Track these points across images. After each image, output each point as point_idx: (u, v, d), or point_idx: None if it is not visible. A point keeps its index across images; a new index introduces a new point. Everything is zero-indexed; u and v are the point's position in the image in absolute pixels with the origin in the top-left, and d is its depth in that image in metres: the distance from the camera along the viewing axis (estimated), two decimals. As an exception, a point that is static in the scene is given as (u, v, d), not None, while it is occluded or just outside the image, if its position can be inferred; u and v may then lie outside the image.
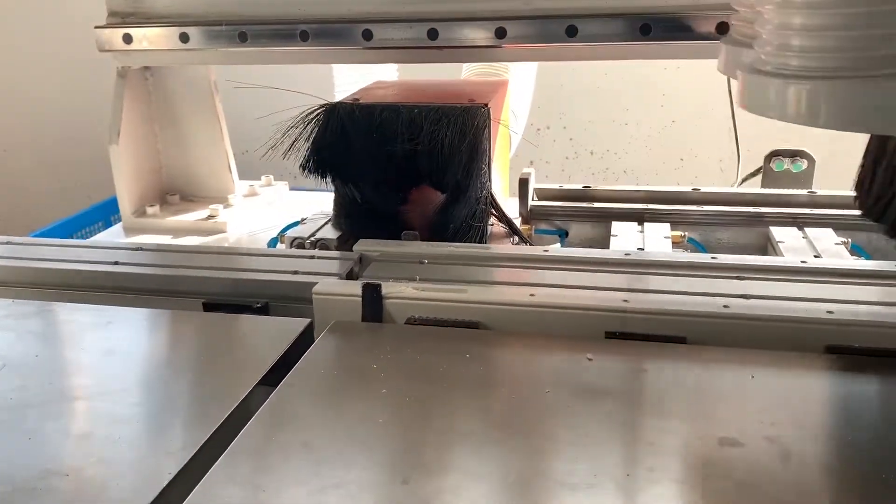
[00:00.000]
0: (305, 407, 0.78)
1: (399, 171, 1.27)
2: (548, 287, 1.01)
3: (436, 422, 0.74)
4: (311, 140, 1.27)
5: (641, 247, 1.22)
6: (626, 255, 1.10)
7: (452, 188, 1.24)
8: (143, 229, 1.64)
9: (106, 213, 2.18)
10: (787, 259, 1.07)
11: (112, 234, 1.64)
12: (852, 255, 1.23)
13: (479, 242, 1.26)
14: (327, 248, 1.32)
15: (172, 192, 1.75)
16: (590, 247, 1.39)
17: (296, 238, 1.33)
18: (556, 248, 1.16)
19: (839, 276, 1.01)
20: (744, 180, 1.63)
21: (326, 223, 1.39)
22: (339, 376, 0.83)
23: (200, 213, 1.66)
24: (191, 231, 1.61)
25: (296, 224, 1.46)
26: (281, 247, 1.39)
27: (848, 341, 0.86)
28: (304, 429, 0.73)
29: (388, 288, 0.99)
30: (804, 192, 1.37)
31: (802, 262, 1.05)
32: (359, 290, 0.99)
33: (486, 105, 1.29)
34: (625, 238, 1.26)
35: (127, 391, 0.82)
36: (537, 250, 1.14)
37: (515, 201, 1.41)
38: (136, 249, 1.22)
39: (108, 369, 0.88)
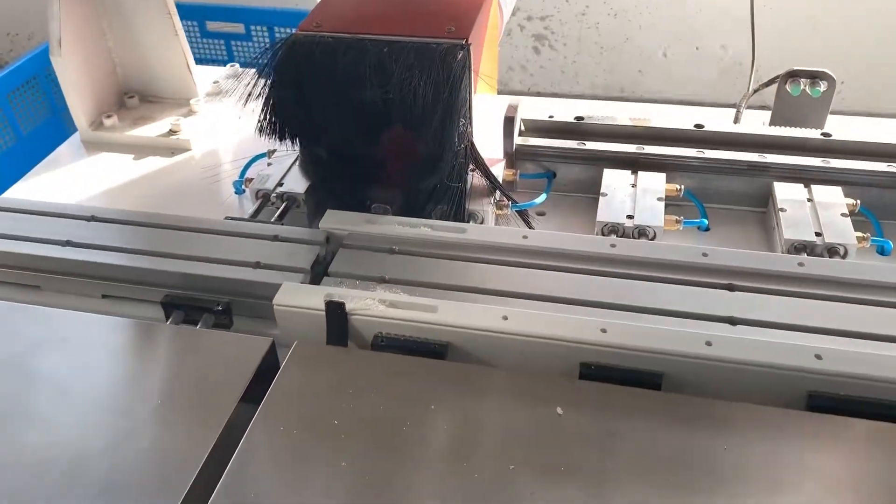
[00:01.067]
0: (265, 480, 0.76)
1: (367, 118, 1.14)
2: (523, 306, 0.94)
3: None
4: (265, 97, 1.13)
5: (631, 213, 1.13)
6: (612, 245, 1.02)
7: (427, 143, 1.12)
8: (102, 144, 1.53)
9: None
10: (783, 261, 0.99)
11: (71, 149, 1.53)
12: (860, 220, 1.14)
13: (458, 203, 1.16)
14: (294, 201, 1.23)
15: (130, 94, 1.60)
16: (577, 191, 1.30)
17: (261, 190, 1.24)
18: (535, 234, 1.06)
19: (835, 286, 0.95)
20: (755, 91, 1.47)
21: (294, 164, 1.28)
22: (300, 436, 0.80)
23: (162, 126, 1.53)
24: (153, 149, 1.50)
25: (262, 156, 1.35)
26: (246, 195, 1.30)
27: (833, 390, 0.82)
28: (261, 519, 0.72)
29: (353, 303, 0.93)
30: (817, 134, 1.24)
31: (800, 264, 0.98)
32: (322, 304, 0.93)
33: (467, 41, 1.13)
34: (615, 199, 1.17)
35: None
36: (516, 236, 1.05)
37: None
38: (90, 219, 1.14)
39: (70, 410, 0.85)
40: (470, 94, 1.15)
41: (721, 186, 1.24)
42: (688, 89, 3.23)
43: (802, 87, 1.33)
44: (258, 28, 2.99)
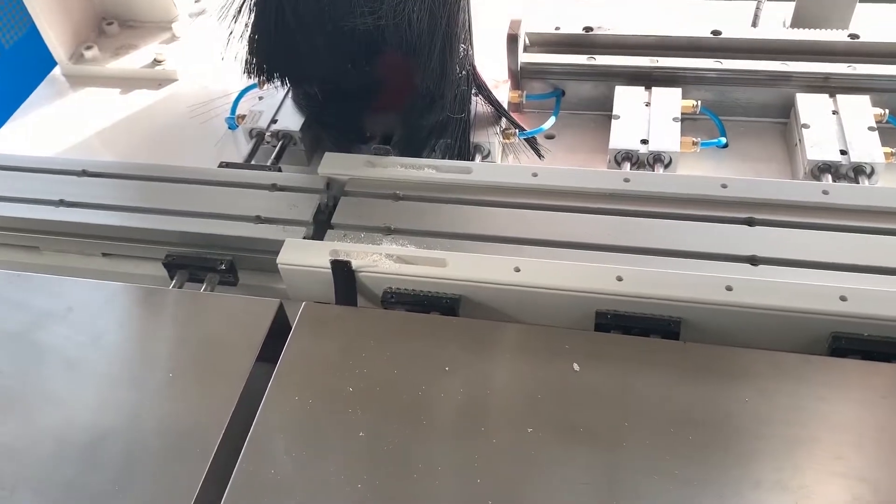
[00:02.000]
0: (284, 456, 0.76)
1: (360, 49, 1.06)
2: (535, 254, 0.90)
3: (414, 485, 0.72)
4: (248, 35, 1.04)
5: (645, 137, 1.07)
6: (626, 180, 0.97)
7: (425, 74, 1.05)
8: (85, 78, 1.45)
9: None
10: (807, 190, 0.93)
11: (53, 86, 1.46)
12: (888, 129, 1.08)
13: (463, 136, 1.10)
14: (290, 139, 1.17)
15: (109, 20, 1.51)
16: (587, 108, 1.23)
17: (254, 129, 1.18)
18: (545, 171, 1.00)
19: (862, 215, 0.90)
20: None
21: (286, 96, 1.21)
22: (315, 406, 0.79)
23: (145, 55, 1.45)
24: (138, 82, 1.42)
25: (253, 87, 1.27)
26: (239, 131, 1.23)
27: (858, 331, 0.80)
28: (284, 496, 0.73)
29: (360, 260, 0.90)
30: (843, 35, 1.15)
31: (824, 192, 0.93)
32: (327, 262, 0.90)
33: (464, -43, 1.03)
34: (628, 122, 1.10)
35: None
36: (525, 174, 1.00)
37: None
38: (82, 174, 1.09)
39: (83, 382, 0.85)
40: (469, 15, 1.07)
41: (740, 98, 1.16)
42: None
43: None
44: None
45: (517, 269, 0.88)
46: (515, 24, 1.18)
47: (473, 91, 1.13)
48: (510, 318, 0.90)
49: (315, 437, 0.77)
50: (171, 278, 1.00)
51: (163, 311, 0.93)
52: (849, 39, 1.15)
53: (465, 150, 1.11)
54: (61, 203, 1.05)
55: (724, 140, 1.13)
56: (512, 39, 1.17)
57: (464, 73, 1.08)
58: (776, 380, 0.77)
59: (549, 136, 1.20)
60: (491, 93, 1.13)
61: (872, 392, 0.76)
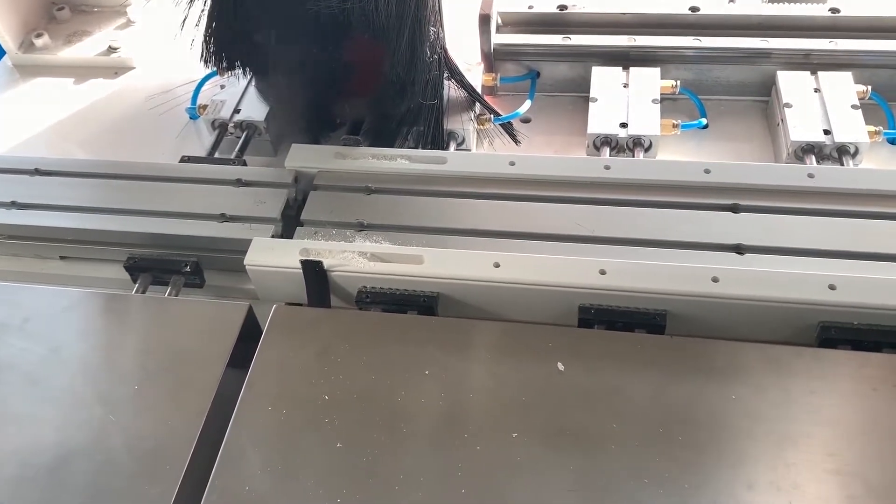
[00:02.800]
0: (258, 470, 0.73)
1: (325, 33, 1.01)
2: (515, 248, 0.87)
3: (396, 498, 0.69)
4: (205, 22, 0.99)
5: (624, 121, 1.04)
6: (606, 167, 0.94)
7: (395, 59, 1.00)
8: (36, 68, 1.38)
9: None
10: (791, 173, 0.91)
11: (2, 77, 1.38)
12: (870, 106, 1.05)
13: (436, 123, 1.06)
14: (255, 129, 1.12)
15: (59, 5, 1.43)
16: (564, 90, 1.19)
17: (217, 120, 1.12)
18: (522, 160, 0.96)
19: (848, 198, 0.88)
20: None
21: (249, 85, 1.16)
22: (290, 416, 0.76)
23: (99, 42, 1.38)
24: (93, 71, 1.36)
25: (213, 75, 1.21)
26: (201, 121, 1.18)
27: (847, 320, 0.78)
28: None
29: (332, 259, 0.86)
30: (824, 10, 1.12)
31: (809, 175, 0.90)
32: (296, 262, 0.86)
33: (432, -66, 0.98)
34: (606, 104, 1.06)
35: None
36: (502, 163, 0.96)
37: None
38: (34, 173, 1.03)
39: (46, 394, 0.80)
40: (439, -3, 1.02)
41: (720, 76, 1.13)
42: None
43: (808, -52, 1.19)
44: None
45: (497, 265, 0.84)
46: (487, 4, 1.13)
47: (446, 75, 1.08)
48: (491, 315, 0.87)
49: (291, 449, 0.74)
50: (134, 282, 0.95)
51: (126, 318, 0.89)
52: (829, 14, 1.12)
53: (438, 138, 1.07)
54: (13, 205, 1.00)
55: (704, 121, 1.10)
56: (484, 20, 1.12)
57: (435, 57, 1.03)
58: (765, 374, 0.75)
59: (526, 120, 1.16)
60: (464, 77, 1.08)
61: (863, 384, 0.74)
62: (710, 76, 1.13)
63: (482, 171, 0.96)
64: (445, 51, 1.06)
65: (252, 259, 0.88)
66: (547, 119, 1.17)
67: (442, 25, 1.05)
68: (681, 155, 1.08)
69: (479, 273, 0.84)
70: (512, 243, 0.89)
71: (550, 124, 1.16)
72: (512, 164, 0.96)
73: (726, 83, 1.13)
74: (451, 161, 0.98)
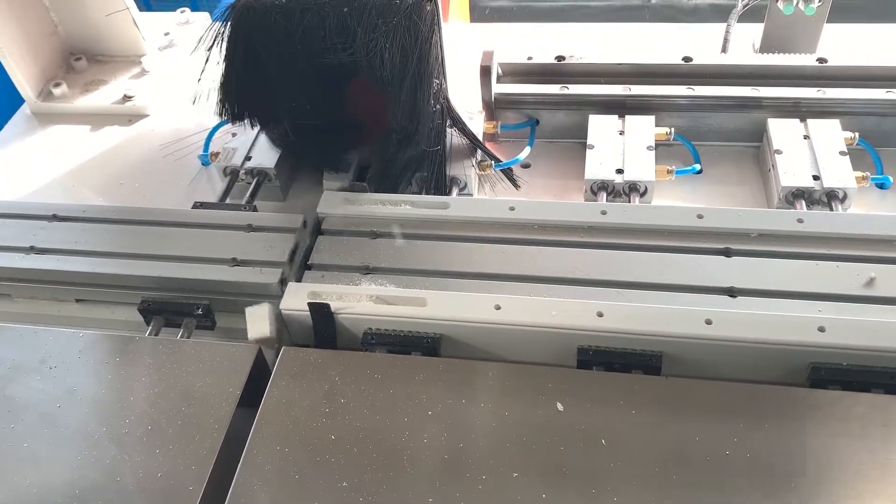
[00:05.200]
0: (266, 508, 0.75)
1: (332, 85, 1.06)
2: (515, 290, 0.90)
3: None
4: (219, 77, 1.04)
5: (620, 167, 1.08)
6: (603, 212, 0.97)
7: (399, 109, 1.04)
8: (54, 116, 1.43)
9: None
10: (782, 218, 0.94)
11: (21, 125, 1.43)
12: (858, 151, 1.09)
13: (439, 169, 1.10)
14: (265, 175, 1.16)
15: (77, 55, 1.49)
16: (562, 137, 1.23)
17: (228, 167, 1.17)
18: (522, 205, 1.00)
19: (837, 243, 0.91)
20: (745, 6, 1.37)
21: (260, 132, 1.20)
22: (298, 457, 0.78)
23: (115, 90, 1.43)
24: (109, 118, 1.41)
25: (223, 123, 1.25)
26: (213, 167, 1.22)
27: (837, 361, 0.81)
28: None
29: (338, 302, 0.89)
30: (812, 60, 1.16)
31: (799, 220, 0.93)
32: (304, 305, 0.90)
33: (434, -7, 1.03)
34: (602, 152, 1.10)
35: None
36: (502, 209, 1.00)
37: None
38: (52, 218, 1.07)
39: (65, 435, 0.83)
40: (442, 49, 1.07)
41: (713, 123, 1.17)
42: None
43: (795, 3, 1.24)
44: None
45: (497, 307, 0.87)
46: (488, 56, 1.18)
47: (448, 124, 1.13)
48: (493, 356, 0.89)
49: (298, 488, 0.76)
50: (148, 324, 0.98)
51: (139, 360, 0.91)
52: (817, 64, 1.16)
53: (441, 183, 1.11)
54: (31, 250, 1.03)
55: (698, 167, 1.14)
56: (485, 71, 1.17)
57: (437, 106, 1.08)
58: (758, 414, 0.77)
59: (526, 166, 1.20)
60: (465, 125, 1.13)
61: (855, 424, 0.76)
62: (703, 123, 1.17)
63: (483, 216, 1.00)
64: (448, 101, 1.11)
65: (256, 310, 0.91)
66: (546, 165, 1.21)
67: (445, 77, 1.10)
68: (676, 199, 1.11)
69: (480, 315, 0.87)
70: (512, 286, 0.92)
71: (549, 169, 1.20)
72: (512, 209, 1.00)
73: (719, 130, 1.17)
74: (454, 206, 1.02)
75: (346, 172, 1.15)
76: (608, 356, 0.85)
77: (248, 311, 0.91)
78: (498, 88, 1.20)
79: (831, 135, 1.09)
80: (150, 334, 0.97)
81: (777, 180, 1.04)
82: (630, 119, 1.15)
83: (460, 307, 0.88)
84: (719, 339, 0.82)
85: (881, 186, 1.10)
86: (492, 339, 0.88)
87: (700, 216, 0.95)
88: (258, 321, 0.89)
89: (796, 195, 1.03)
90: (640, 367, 0.84)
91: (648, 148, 1.10)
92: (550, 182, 1.18)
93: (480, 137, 1.17)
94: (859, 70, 1.15)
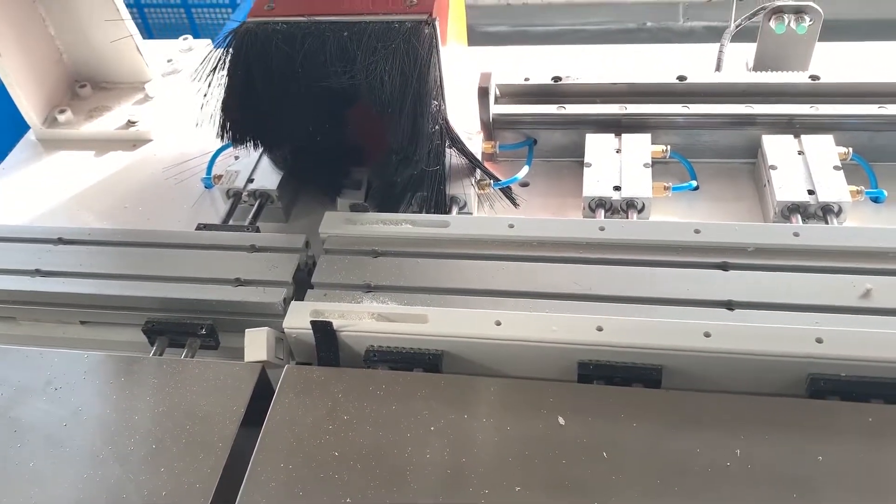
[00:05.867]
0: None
1: (333, 107, 1.08)
2: (515, 306, 0.91)
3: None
4: (220, 99, 1.06)
5: (618, 184, 1.09)
6: (601, 229, 0.99)
7: (399, 129, 1.06)
8: (59, 142, 1.45)
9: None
10: (777, 232, 0.95)
11: (26, 151, 1.45)
12: (852, 166, 1.10)
13: (438, 189, 1.12)
14: (268, 197, 1.18)
15: (81, 82, 1.51)
16: (560, 156, 1.25)
17: (231, 189, 1.18)
18: (521, 222, 1.01)
19: (833, 256, 0.92)
20: (738, 26, 1.39)
21: (262, 155, 1.22)
22: (301, 473, 0.79)
23: (119, 116, 1.45)
24: (113, 144, 1.43)
25: (228, 146, 1.27)
26: (216, 190, 1.24)
27: (835, 372, 0.81)
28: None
29: (340, 320, 0.90)
30: (804, 77, 1.18)
31: (795, 234, 0.95)
32: (307, 323, 0.91)
33: (432, 14, 1.06)
34: (600, 170, 1.12)
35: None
36: (501, 226, 1.01)
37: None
38: (57, 241, 1.09)
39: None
40: (441, 70, 1.09)
41: (709, 141, 1.19)
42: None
43: (787, 23, 1.26)
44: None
45: (498, 323, 0.88)
46: (486, 77, 1.20)
47: (447, 144, 1.14)
48: (494, 371, 0.90)
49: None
50: (152, 345, 0.99)
51: (143, 380, 0.92)
52: (810, 81, 1.18)
53: (441, 203, 1.12)
54: (37, 273, 1.05)
55: (694, 183, 1.15)
56: (483, 92, 1.19)
57: (436, 127, 1.09)
58: (758, 425, 0.78)
59: (524, 185, 1.22)
60: (464, 145, 1.14)
61: (854, 434, 0.77)
62: (699, 140, 1.19)
63: (483, 234, 1.01)
64: (447, 121, 1.12)
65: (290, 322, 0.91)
66: (544, 183, 1.22)
67: (443, 98, 1.11)
68: (673, 216, 1.13)
69: (481, 331, 0.88)
70: (513, 302, 0.93)
71: (548, 188, 1.21)
72: (511, 226, 1.01)
73: (715, 147, 1.19)
74: (454, 224, 1.03)
75: (359, 190, 1.17)
76: (608, 370, 0.85)
77: (247, 334, 0.92)
78: (496, 109, 1.22)
79: (825, 150, 1.10)
80: (154, 354, 0.98)
81: (772, 195, 1.06)
82: (626, 137, 1.16)
83: (461, 323, 0.89)
84: (718, 351, 0.83)
85: (876, 200, 1.11)
86: (493, 355, 0.89)
87: (697, 231, 0.97)
88: (255, 345, 0.90)
89: (792, 210, 1.04)
90: (641, 381, 0.85)
91: (645, 165, 1.12)
92: (549, 200, 1.19)
93: (479, 157, 1.19)
94: (851, 86, 1.17)
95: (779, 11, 1.26)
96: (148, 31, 2.91)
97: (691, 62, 1.43)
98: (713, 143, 1.19)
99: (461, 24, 1.39)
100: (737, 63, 1.38)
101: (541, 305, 0.92)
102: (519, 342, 0.87)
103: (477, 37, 3.18)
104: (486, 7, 3.35)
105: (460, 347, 0.89)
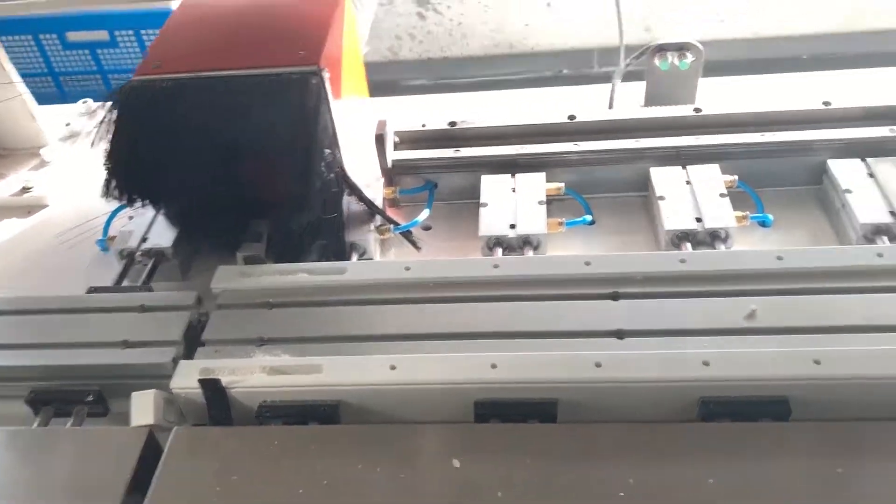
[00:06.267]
0: None
1: (224, 162, 1.06)
2: (412, 349, 0.90)
3: None
4: (106, 156, 1.04)
5: (514, 222, 1.10)
6: (495, 266, 0.99)
7: (292, 180, 1.06)
8: (-49, 211, 1.40)
9: None
10: (665, 260, 0.98)
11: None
12: (740, 193, 1.14)
13: (337, 236, 1.11)
14: (163, 255, 1.15)
15: (-26, 149, 1.47)
16: (459, 198, 1.26)
17: (125, 250, 1.15)
18: (417, 264, 1.02)
19: (717, 280, 0.94)
20: (627, 66, 1.45)
21: (157, 213, 1.20)
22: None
23: (13, 183, 1.41)
24: (7, 211, 1.38)
25: (122, 208, 1.24)
26: (111, 252, 1.20)
27: (724, 394, 0.82)
28: None
29: (230, 376, 0.88)
30: (689, 110, 1.23)
31: (681, 261, 0.97)
32: (195, 383, 0.88)
33: (320, 65, 1.07)
34: (495, 209, 1.13)
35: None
36: (398, 270, 1.01)
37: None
38: (-70, 309, 1.04)
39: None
40: (332, 120, 1.09)
41: (601, 176, 1.22)
42: (576, 39, 3.22)
43: (670, 60, 1.31)
44: (123, 33, 2.87)
45: (393, 367, 0.87)
46: (381, 125, 1.21)
47: (347, 192, 1.14)
48: (393, 418, 0.88)
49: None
50: (36, 415, 0.94)
51: (26, 453, 0.87)
52: (694, 113, 1.23)
53: (341, 250, 1.12)
54: (-90, 343, 0.99)
55: (589, 218, 1.17)
56: (379, 139, 1.20)
57: (332, 175, 1.09)
58: (653, 452, 0.78)
59: (426, 228, 1.22)
60: (362, 192, 1.14)
61: (745, 454, 0.77)
62: (591, 176, 1.21)
63: (379, 278, 1.01)
64: (343, 169, 1.12)
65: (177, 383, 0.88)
66: (446, 225, 1.23)
67: (339, 147, 1.12)
68: (571, 251, 1.14)
69: (375, 377, 0.86)
70: (409, 345, 0.92)
71: (449, 230, 1.22)
72: (407, 269, 1.01)
73: (608, 182, 1.22)
74: (350, 271, 1.02)
75: (259, 242, 1.15)
76: (504, 408, 0.85)
77: (133, 397, 0.89)
78: (395, 155, 1.23)
79: (711, 178, 1.14)
80: (38, 426, 0.93)
81: (661, 224, 1.08)
82: (521, 177, 1.18)
83: (356, 371, 0.87)
84: (609, 381, 0.83)
85: (763, 224, 1.14)
86: (389, 401, 0.87)
87: (588, 263, 0.98)
88: (142, 408, 0.87)
89: (681, 238, 1.07)
90: (537, 416, 0.84)
91: (540, 203, 1.13)
92: (451, 243, 1.20)
93: (381, 203, 1.19)
94: (734, 117, 1.22)
95: (662, 50, 1.32)
96: (58, 86, 2.88)
97: (589, 102, 1.48)
98: (605, 178, 1.22)
99: (359, 75, 1.40)
100: (631, 101, 1.43)
101: (437, 347, 0.92)
102: (414, 386, 0.86)
103: (400, 90, 3.24)
104: (406, 62, 3.43)
105: (356, 396, 0.87)
